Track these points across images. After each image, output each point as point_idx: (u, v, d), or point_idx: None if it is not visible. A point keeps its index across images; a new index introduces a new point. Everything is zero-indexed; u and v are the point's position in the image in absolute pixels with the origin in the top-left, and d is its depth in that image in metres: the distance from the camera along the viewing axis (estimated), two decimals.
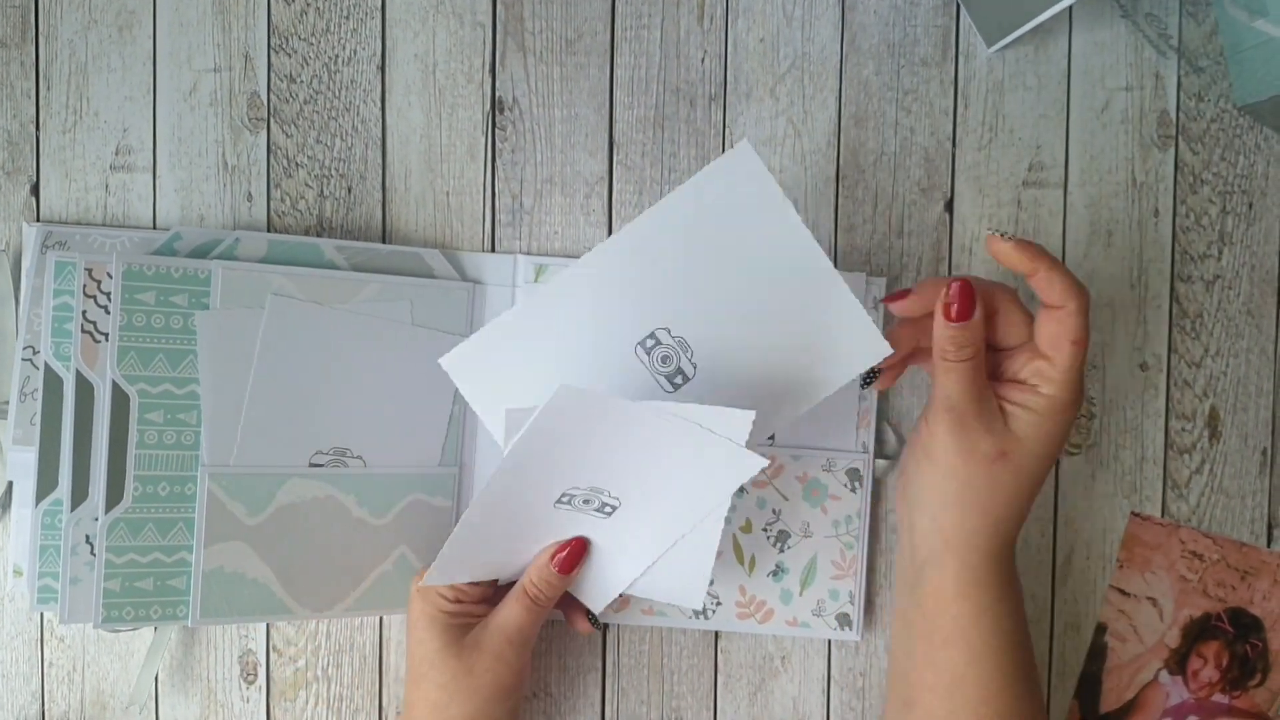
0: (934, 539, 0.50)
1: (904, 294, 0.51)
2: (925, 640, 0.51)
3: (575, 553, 0.53)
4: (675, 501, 0.50)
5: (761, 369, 0.50)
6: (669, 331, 0.49)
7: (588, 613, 0.56)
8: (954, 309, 0.48)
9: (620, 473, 0.49)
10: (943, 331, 0.49)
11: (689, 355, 0.49)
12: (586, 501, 0.50)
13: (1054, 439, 0.49)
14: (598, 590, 0.54)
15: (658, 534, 0.51)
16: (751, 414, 0.45)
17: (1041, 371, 0.49)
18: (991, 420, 0.49)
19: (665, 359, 0.49)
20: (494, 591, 0.55)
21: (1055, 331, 0.48)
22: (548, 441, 0.46)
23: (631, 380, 0.50)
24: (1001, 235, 0.49)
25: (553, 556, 0.52)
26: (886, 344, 0.50)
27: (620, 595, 0.54)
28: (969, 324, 0.48)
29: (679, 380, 0.50)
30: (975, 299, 0.48)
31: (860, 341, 0.50)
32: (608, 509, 0.50)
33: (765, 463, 0.46)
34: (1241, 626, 0.61)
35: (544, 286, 0.49)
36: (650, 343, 0.49)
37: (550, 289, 0.49)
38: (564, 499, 0.50)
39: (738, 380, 0.50)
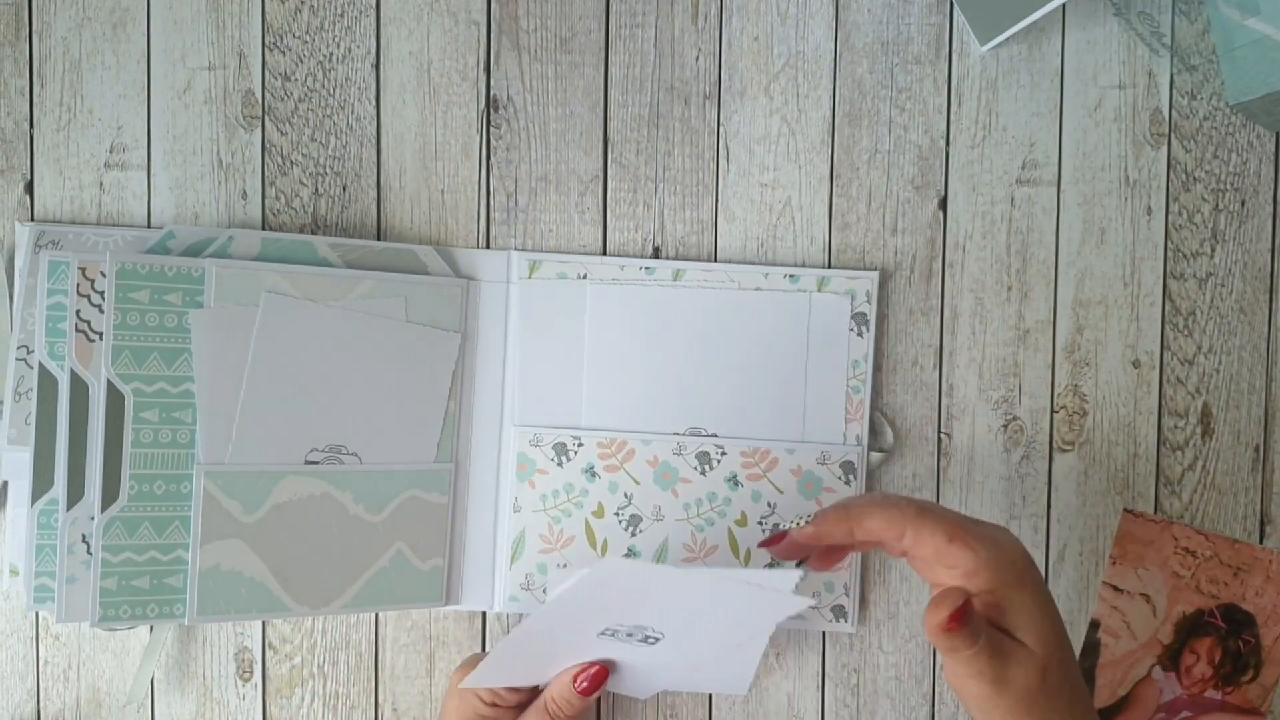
0: None
1: (781, 537, 0.49)
2: None
3: (598, 678, 0.52)
4: (718, 634, 0.50)
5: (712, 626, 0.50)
6: (620, 624, 0.49)
7: None
8: (945, 631, 0.44)
9: (665, 616, 0.48)
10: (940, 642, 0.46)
11: (650, 629, 0.49)
12: (630, 635, 0.50)
13: (1043, 604, 0.46)
14: (641, 685, 0.55)
15: (701, 656, 0.52)
16: (799, 573, 0.44)
17: (962, 570, 0.45)
18: (1013, 652, 0.45)
19: (630, 634, 0.49)
20: (529, 696, 0.55)
21: (932, 546, 0.46)
22: (592, 596, 0.46)
23: (619, 653, 0.51)
24: (797, 525, 0.48)
25: (575, 678, 0.52)
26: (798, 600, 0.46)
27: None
28: (967, 630, 0.44)
29: (652, 640, 0.50)
30: (965, 616, 0.44)
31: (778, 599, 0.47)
32: (651, 640, 0.50)
33: (812, 601, 0.46)
34: (1234, 622, 0.61)
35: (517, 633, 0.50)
36: (609, 631, 0.49)
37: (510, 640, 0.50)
38: (607, 632, 0.49)
39: (700, 626, 0.50)
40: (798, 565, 0.50)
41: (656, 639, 0.50)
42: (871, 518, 0.46)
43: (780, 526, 0.56)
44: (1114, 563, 0.61)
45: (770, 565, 0.52)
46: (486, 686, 0.53)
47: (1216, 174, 0.61)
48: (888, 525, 0.46)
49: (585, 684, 0.52)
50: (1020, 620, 0.46)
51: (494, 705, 0.54)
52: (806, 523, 0.48)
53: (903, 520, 0.46)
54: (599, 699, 0.61)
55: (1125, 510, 0.61)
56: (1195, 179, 0.61)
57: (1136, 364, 0.61)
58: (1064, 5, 0.58)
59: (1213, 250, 0.61)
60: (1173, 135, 0.61)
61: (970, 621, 0.44)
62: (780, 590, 0.45)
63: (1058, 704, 0.46)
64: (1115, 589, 0.61)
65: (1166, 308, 0.61)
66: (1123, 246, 0.61)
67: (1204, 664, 0.61)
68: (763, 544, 0.50)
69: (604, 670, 0.53)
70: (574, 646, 0.52)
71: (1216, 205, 0.61)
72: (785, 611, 0.48)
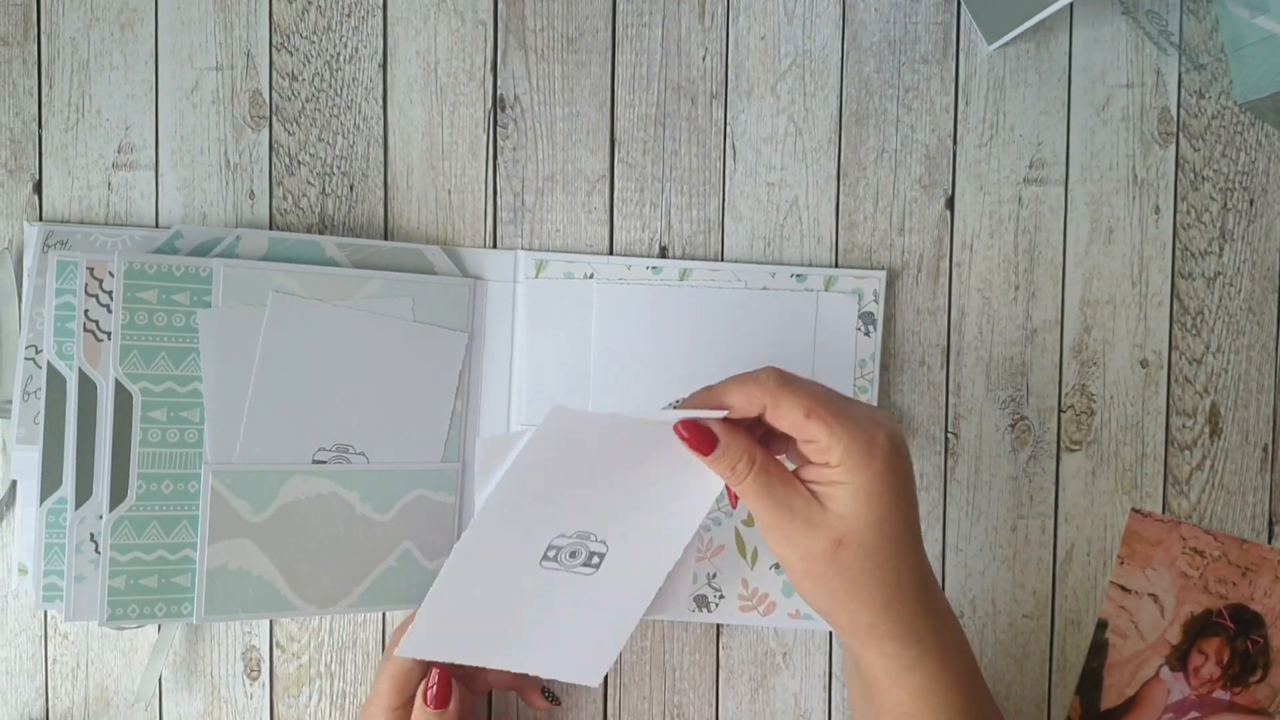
0: (848, 640, 0.48)
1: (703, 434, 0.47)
2: None
3: (442, 685, 0.53)
4: (658, 536, 0.50)
5: (654, 521, 0.51)
6: (563, 535, 0.49)
7: (543, 689, 0.58)
8: (689, 443, 0.45)
9: (605, 510, 0.48)
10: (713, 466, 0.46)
11: (592, 539, 0.49)
12: (573, 555, 0.49)
13: (881, 495, 0.45)
14: (592, 664, 0.55)
15: (642, 580, 0.52)
16: (724, 412, 0.45)
17: (817, 446, 0.45)
18: (810, 514, 0.45)
19: (574, 554, 0.49)
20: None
21: (788, 418, 0.45)
22: (537, 475, 0.46)
23: (560, 590, 0.51)
24: (677, 403, 0.47)
25: (424, 696, 0.53)
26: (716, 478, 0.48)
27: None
28: (719, 450, 0.45)
29: (596, 561, 0.50)
30: (702, 430, 0.45)
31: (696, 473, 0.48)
32: (595, 559, 0.50)
33: (719, 485, 0.47)
34: (1242, 623, 0.61)
35: (450, 560, 0.49)
36: (552, 552, 0.49)
37: (453, 559, 0.49)
38: (550, 554, 0.49)
39: (643, 538, 0.50)
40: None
41: (600, 556, 0.49)
42: (731, 394, 0.46)
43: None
44: (1121, 562, 0.61)
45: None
46: (422, 657, 0.52)
47: (1225, 173, 0.61)
48: (748, 400, 0.45)
49: (432, 701, 0.53)
50: (839, 493, 0.45)
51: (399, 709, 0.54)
52: (678, 405, 0.47)
53: (763, 394, 0.45)
54: (603, 691, 0.61)
55: (1133, 510, 0.61)
56: (1203, 178, 0.61)
57: (1144, 363, 0.61)
58: (1071, 4, 0.58)
59: (1221, 249, 0.61)
60: (1181, 134, 0.61)
61: (721, 448, 0.45)
62: (704, 421, 0.45)
63: (855, 588, 0.45)
64: (1123, 589, 0.61)
65: (1174, 307, 0.61)
66: (1130, 246, 0.61)
67: (1212, 664, 0.61)
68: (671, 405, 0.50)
69: (444, 675, 0.53)
70: (517, 590, 0.50)
71: (1225, 204, 0.61)
72: (712, 487, 0.48)
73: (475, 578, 0.49)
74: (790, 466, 0.47)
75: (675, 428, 0.45)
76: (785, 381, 0.45)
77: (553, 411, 0.43)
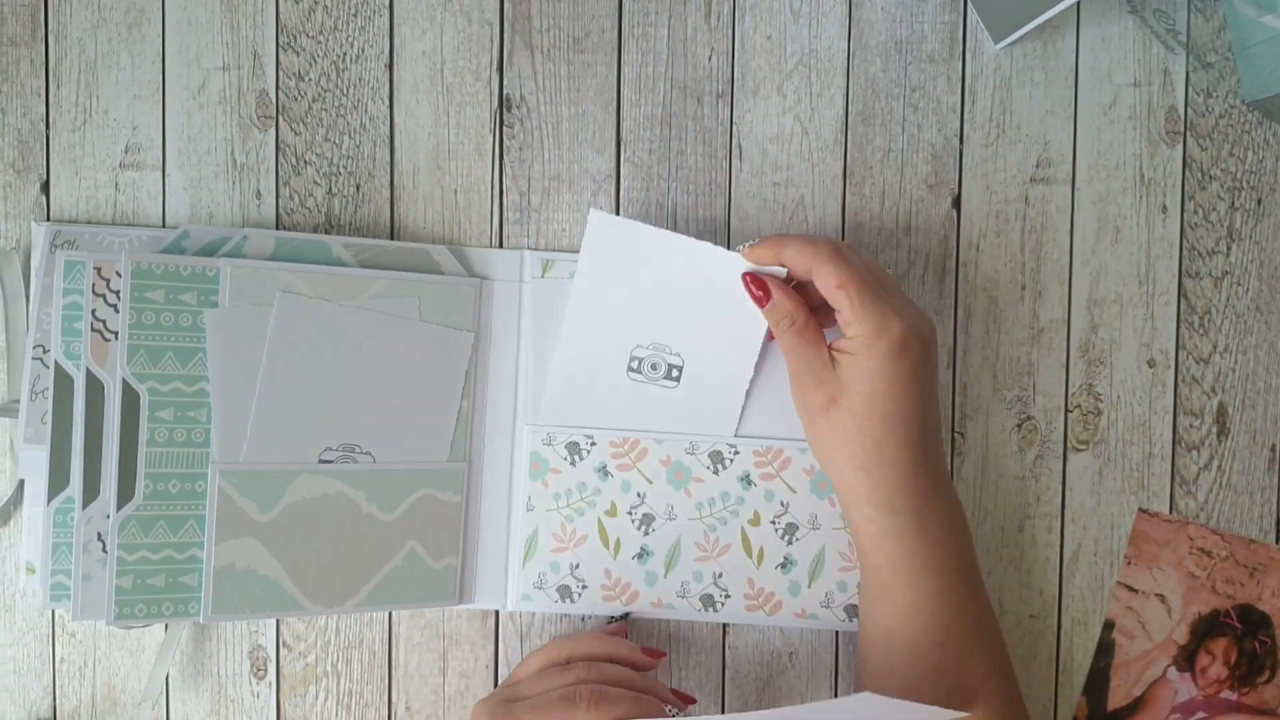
0: (839, 495, 0.54)
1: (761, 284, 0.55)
2: (864, 593, 0.54)
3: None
4: (725, 351, 0.57)
5: (719, 336, 0.57)
6: (641, 346, 0.57)
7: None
8: (753, 299, 0.54)
9: (673, 321, 0.56)
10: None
11: (668, 351, 0.56)
12: (654, 367, 0.55)
13: (878, 373, 0.51)
14: (721, 420, 0.59)
15: (723, 397, 0.58)
16: (783, 271, 0.54)
17: (841, 316, 0.52)
18: (822, 373, 0.52)
19: (654, 365, 0.55)
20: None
21: (824, 286, 0.52)
22: (601, 280, 0.56)
23: (642, 397, 0.58)
24: (747, 246, 0.54)
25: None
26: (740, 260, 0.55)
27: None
28: (770, 305, 0.54)
29: (675, 374, 0.56)
30: (764, 284, 0.54)
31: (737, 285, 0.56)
32: (674, 372, 0.55)
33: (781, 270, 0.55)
34: (1250, 623, 0.61)
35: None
36: (634, 363, 0.56)
37: (560, 351, 0.58)
38: (633, 364, 0.55)
39: (713, 352, 0.57)
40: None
41: (678, 368, 0.55)
42: (790, 245, 0.53)
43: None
44: (1129, 563, 0.61)
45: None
46: (556, 420, 0.58)
47: (1232, 172, 0.61)
48: (799, 254, 0.53)
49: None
50: (848, 364, 0.52)
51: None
52: (748, 247, 0.55)
53: (813, 255, 0.52)
54: None
55: (1140, 510, 0.61)
56: (1211, 177, 0.61)
57: (1151, 363, 0.61)
58: (1078, 3, 0.58)
59: (1228, 249, 0.61)
60: (1188, 133, 0.61)
61: (769, 307, 0.54)
62: (764, 274, 0.54)
63: (833, 438, 0.52)
64: (1130, 589, 0.61)
65: (1182, 306, 0.61)
66: (1138, 245, 0.61)
67: (1219, 665, 0.61)
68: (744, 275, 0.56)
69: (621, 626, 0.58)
70: (613, 392, 0.57)
71: (1232, 203, 0.61)
72: (760, 321, 0.56)
73: (577, 373, 0.57)
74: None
75: (743, 276, 0.54)
76: (836, 253, 0.52)
77: (591, 215, 0.52)
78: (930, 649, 0.52)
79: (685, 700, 0.55)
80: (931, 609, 0.52)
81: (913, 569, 0.52)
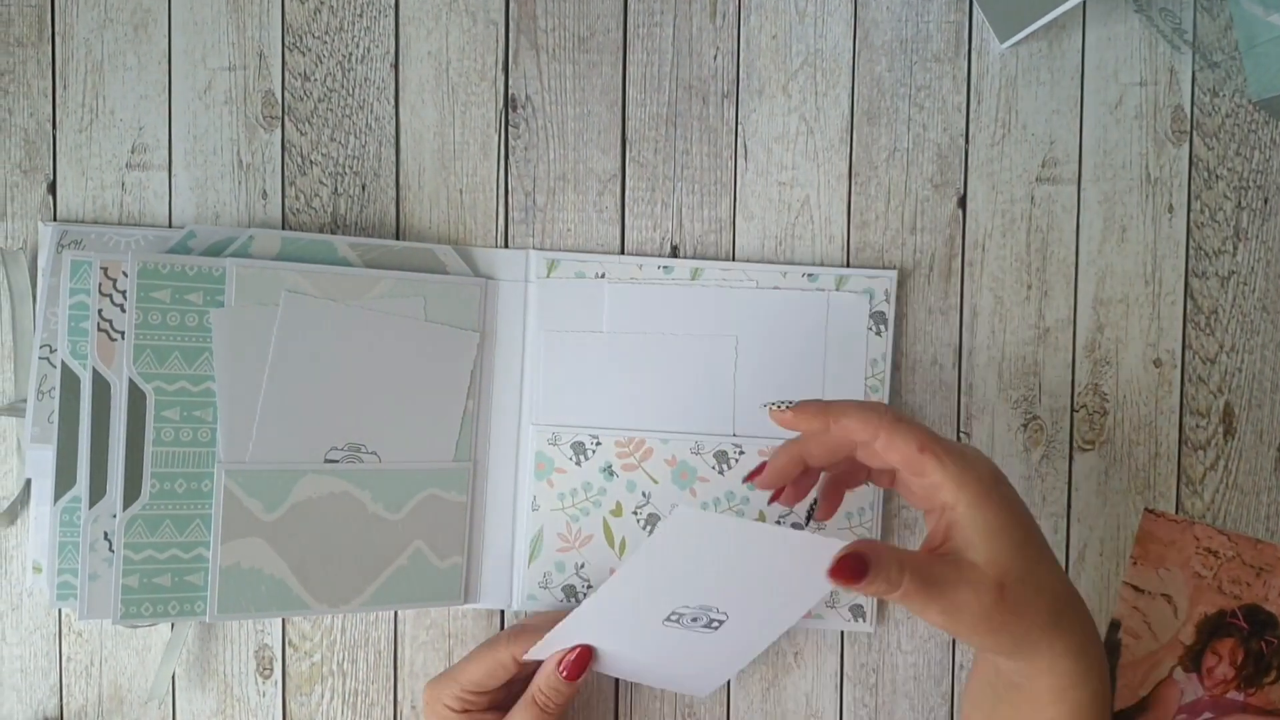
0: (1018, 664, 0.46)
1: (762, 468, 0.51)
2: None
3: (581, 660, 0.53)
4: (776, 606, 0.51)
5: (774, 599, 0.51)
6: (686, 606, 0.50)
7: None
8: (844, 580, 0.43)
9: (729, 591, 0.49)
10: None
11: (715, 610, 0.50)
12: (695, 620, 0.50)
13: (1009, 523, 0.45)
14: (702, 681, 0.57)
15: (760, 634, 0.53)
16: (838, 543, 0.44)
17: (928, 480, 0.45)
18: (962, 576, 0.44)
19: (695, 619, 0.50)
20: (504, 696, 0.55)
21: (899, 452, 0.46)
22: (661, 562, 0.47)
23: (679, 640, 0.52)
24: (778, 407, 0.48)
25: (559, 663, 0.53)
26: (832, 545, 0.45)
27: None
28: (866, 579, 0.43)
29: (716, 625, 0.51)
30: (861, 568, 0.43)
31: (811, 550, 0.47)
32: (715, 624, 0.51)
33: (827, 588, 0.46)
34: (1256, 623, 0.61)
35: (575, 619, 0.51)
36: (675, 617, 0.50)
37: (580, 612, 0.51)
38: (673, 618, 0.50)
39: (763, 609, 0.51)
40: (808, 517, 0.53)
41: (720, 623, 0.50)
42: (849, 415, 0.46)
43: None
44: (1135, 563, 0.61)
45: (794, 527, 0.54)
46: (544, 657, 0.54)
47: (1239, 171, 0.61)
48: (863, 425, 0.46)
49: (567, 670, 0.53)
50: (974, 538, 0.44)
51: (465, 711, 0.54)
52: (788, 407, 0.48)
53: (879, 422, 0.46)
54: (614, 692, 0.61)
55: (1146, 510, 0.61)
56: (1217, 176, 0.61)
57: (1158, 363, 0.61)
58: (1084, 2, 0.58)
59: (1235, 248, 0.61)
60: (1194, 132, 0.61)
61: (872, 569, 0.43)
62: (820, 551, 0.44)
63: (1026, 620, 0.44)
64: (1136, 589, 0.61)
65: (1188, 306, 0.61)
66: (1144, 244, 0.61)
67: (1226, 665, 0.61)
68: (747, 478, 0.51)
69: (586, 652, 0.53)
70: (640, 636, 0.52)
71: (1239, 203, 0.61)
72: (818, 586, 0.48)
73: (603, 623, 0.51)
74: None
75: (829, 571, 0.43)
76: (899, 416, 0.46)
77: (674, 513, 0.44)
78: None
79: None
80: None
81: (1096, 708, 0.47)
